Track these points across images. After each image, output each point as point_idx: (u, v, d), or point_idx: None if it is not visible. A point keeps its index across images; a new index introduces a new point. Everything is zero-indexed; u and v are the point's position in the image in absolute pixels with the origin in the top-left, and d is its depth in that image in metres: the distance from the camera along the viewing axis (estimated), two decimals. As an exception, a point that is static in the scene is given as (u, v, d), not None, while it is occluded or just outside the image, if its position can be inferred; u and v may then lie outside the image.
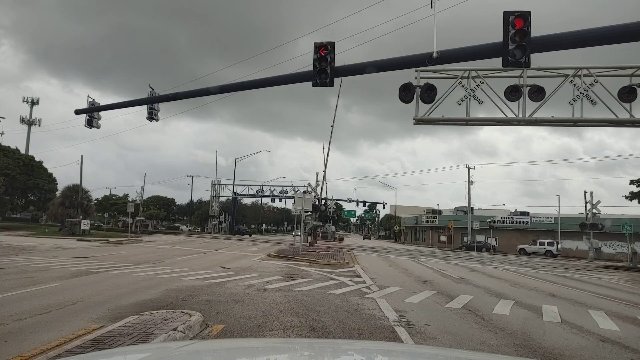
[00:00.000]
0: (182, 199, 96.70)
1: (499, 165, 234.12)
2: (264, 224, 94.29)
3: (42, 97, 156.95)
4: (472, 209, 61.43)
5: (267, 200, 79.65)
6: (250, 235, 68.42)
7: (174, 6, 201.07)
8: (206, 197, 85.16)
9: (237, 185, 71.87)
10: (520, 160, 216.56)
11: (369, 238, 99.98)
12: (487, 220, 58.74)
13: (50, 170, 56.89)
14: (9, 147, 52.69)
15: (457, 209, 74.12)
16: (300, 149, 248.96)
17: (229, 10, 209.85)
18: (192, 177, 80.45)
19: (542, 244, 50.63)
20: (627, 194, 44.23)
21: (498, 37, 9.89)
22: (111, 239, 34.46)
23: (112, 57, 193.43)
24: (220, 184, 72.45)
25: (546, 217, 58.97)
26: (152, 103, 17.60)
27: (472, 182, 59.85)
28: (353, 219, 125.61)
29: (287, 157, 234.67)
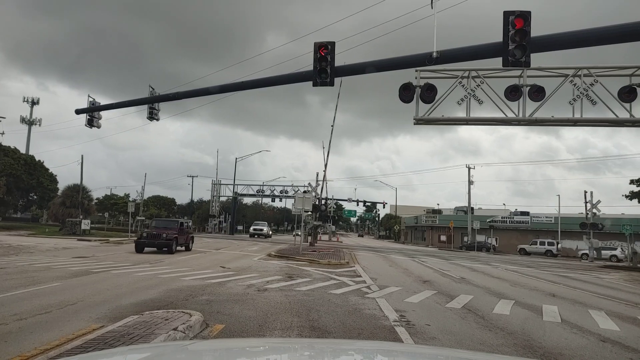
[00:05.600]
0: (177, 198, 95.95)
1: (489, 165, 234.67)
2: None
3: (20, 95, 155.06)
4: (472, 208, 61.43)
5: (267, 200, 79.70)
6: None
7: (141, 4, 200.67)
8: (202, 196, 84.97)
9: (237, 185, 71.91)
10: (502, 158, 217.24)
11: (362, 236, 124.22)
12: (487, 220, 58.72)
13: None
14: (9, 147, 52.72)
15: (457, 209, 74.18)
16: (286, 148, 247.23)
17: (194, 7, 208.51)
18: (193, 177, 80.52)
19: (542, 243, 50.66)
20: (627, 194, 44.25)
21: (498, 37, 9.90)
22: (111, 239, 34.44)
23: (82, 55, 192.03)
24: (220, 184, 72.49)
25: (546, 217, 58.97)
26: (152, 103, 17.65)
27: (472, 182, 59.89)
28: (353, 219, 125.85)
29: (278, 157, 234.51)
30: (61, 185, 55.26)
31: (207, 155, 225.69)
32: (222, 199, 74.92)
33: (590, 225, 40.80)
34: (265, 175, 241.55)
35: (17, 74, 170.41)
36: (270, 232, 67.78)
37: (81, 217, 42.63)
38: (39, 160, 55.86)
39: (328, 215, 52.92)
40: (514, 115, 14.70)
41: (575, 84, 14.67)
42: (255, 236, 55.26)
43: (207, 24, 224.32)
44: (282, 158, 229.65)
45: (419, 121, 15.35)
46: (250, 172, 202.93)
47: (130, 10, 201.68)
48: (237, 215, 76.35)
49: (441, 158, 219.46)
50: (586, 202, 42.70)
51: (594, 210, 41.66)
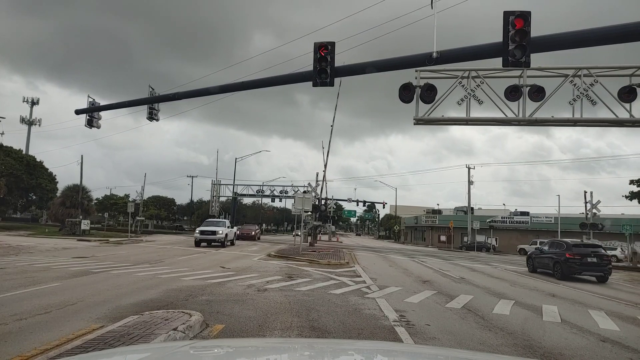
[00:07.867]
0: (177, 198, 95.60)
1: (486, 165, 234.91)
2: (264, 224, 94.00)
3: (9, 94, 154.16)
4: (472, 208, 61.45)
5: (267, 200, 79.62)
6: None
7: (129, 3, 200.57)
8: (200, 196, 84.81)
9: (237, 185, 71.84)
10: (495, 158, 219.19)
11: (360, 235, 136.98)
12: (487, 220, 58.74)
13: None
14: (11, 147, 52.70)
15: (457, 209, 74.17)
16: (280, 148, 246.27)
17: (181, 6, 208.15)
18: (192, 177, 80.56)
19: (542, 243, 50.63)
20: (627, 194, 44.29)
21: (498, 37, 9.89)
22: (111, 239, 34.45)
23: (70, 54, 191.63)
24: (220, 184, 72.44)
25: (546, 217, 58.97)
26: (152, 103, 17.63)
27: (472, 182, 59.87)
28: (353, 219, 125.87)
29: (273, 156, 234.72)
30: (60, 186, 55.30)
31: (201, 154, 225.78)
32: (222, 199, 74.89)
33: (590, 226, 40.77)
34: (262, 175, 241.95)
35: (6, 73, 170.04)
36: (255, 233, 49.05)
37: (81, 217, 42.60)
38: (40, 161, 55.82)
39: (328, 215, 52.91)
40: (514, 116, 14.69)
41: (575, 84, 14.66)
42: (204, 243, 30.07)
43: (193, 22, 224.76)
44: (277, 158, 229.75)
45: (419, 121, 15.33)
46: (247, 172, 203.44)
47: (117, 9, 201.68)
48: (237, 216, 76.32)
49: (435, 158, 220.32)
50: (586, 202, 42.67)
51: (594, 211, 41.63)
